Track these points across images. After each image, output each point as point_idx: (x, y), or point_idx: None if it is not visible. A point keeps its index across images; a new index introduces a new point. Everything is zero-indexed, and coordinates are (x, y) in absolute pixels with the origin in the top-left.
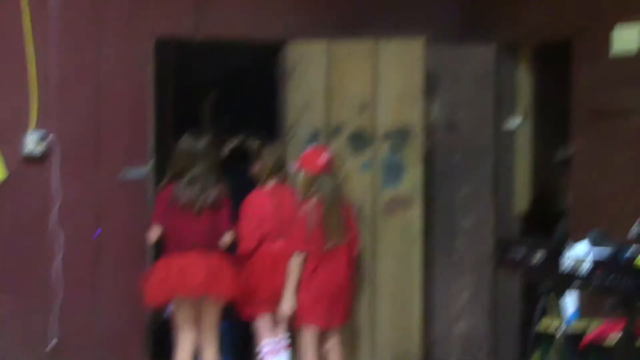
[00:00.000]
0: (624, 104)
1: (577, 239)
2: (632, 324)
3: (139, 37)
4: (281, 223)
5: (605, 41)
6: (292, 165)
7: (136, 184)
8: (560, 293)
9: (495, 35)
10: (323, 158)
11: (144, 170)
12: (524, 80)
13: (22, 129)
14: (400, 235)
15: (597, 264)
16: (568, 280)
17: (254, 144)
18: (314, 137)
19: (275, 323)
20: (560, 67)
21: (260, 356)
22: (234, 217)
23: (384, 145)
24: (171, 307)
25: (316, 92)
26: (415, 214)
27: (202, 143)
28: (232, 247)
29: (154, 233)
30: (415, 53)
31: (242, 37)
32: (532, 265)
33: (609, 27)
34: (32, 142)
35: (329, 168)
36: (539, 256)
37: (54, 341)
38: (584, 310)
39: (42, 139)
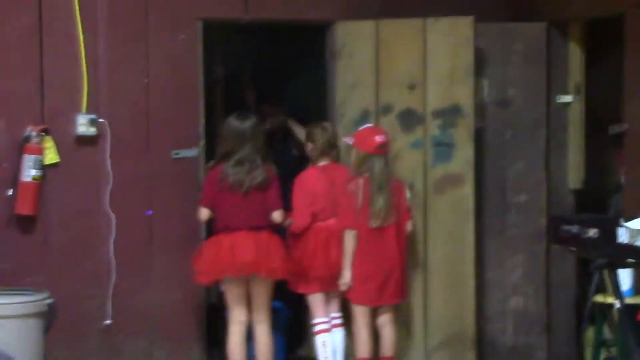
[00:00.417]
0: None
1: (632, 214)
2: None
3: (186, 19)
4: (333, 201)
5: None
6: (347, 139)
7: (187, 165)
8: (614, 269)
9: (545, 12)
10: (379, 139)
11: (194, 151)
12: (575, 57)
13: (73, 113)
14: (452, 213)
15: None
16: (623, 255)
17: (293, 123)
18: (363, 116)
19: (328, 300)
20: (612, 42)
21: (313, 333)
22: (283, 196)
23: (434, 123)
24: (222, 286)
25: (365, 72)
26: (467, 192)
27: (248, 123)
28: (281, 228)
29: (204, 213)
30: (463, 32)
31: (290, 18)
32: (586, 241)
33: None
34: (83, 126)
35: (384, 149)
36: (592, 232)
37: (108, 322)
38: (638, 286)
39: (93, 122)
